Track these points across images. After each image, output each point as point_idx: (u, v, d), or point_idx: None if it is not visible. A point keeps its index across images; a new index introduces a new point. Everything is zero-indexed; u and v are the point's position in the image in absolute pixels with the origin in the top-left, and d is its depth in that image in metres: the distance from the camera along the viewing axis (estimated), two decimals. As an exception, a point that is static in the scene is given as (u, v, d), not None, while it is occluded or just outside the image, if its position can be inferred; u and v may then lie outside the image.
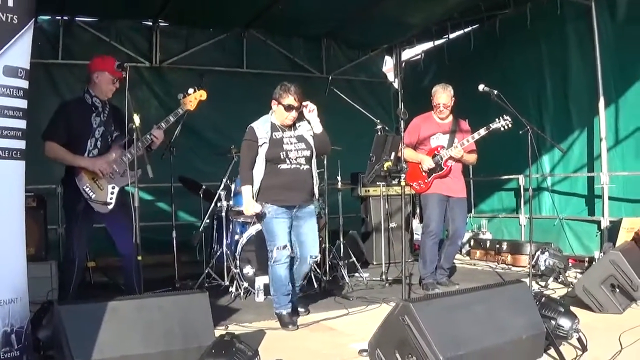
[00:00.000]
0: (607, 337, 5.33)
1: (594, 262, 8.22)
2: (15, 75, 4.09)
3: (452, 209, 8.02)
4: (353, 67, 14.44)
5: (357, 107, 8.25)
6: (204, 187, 8.86)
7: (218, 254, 8.43)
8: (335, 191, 9.41)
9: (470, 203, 10.61)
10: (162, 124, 6.49)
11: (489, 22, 12.15)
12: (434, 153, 7.90)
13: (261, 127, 6.35)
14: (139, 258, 5.61)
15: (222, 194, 8.28)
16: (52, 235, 9.27)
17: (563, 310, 5.03)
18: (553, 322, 4.92)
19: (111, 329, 4.22)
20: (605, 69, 9.66)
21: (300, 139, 6.44)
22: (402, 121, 6.85)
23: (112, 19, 11.72)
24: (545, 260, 8.28)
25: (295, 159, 6.32)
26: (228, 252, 8.11)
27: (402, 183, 6.85)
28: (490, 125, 7.63)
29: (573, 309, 5.27)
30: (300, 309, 6.77)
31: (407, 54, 15.29)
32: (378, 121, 7.83)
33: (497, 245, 10.46)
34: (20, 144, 4.17)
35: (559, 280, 8.08)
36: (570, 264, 8.89)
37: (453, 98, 7.95)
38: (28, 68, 4.20)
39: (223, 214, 8.31)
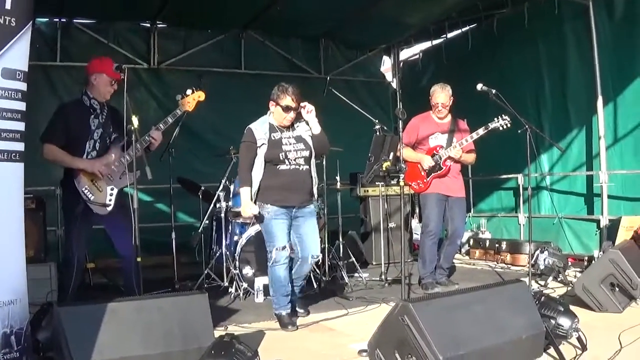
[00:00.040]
0: (606, 336, 5.34)
1: (593, 261, 8.21)
2: (14, 78, 4.09)
3: (451, 209, 8.02)
4: (351, 68, 14.45)
5: (356, 107, 8.26)
6: (202, 188, 8.87)
7: (217, 254, 8.43)
8: (334, 191, 9.42)
9: (469, 202, 10.61)
10: (161, 125, 6.49)
11: (487, 21, 12.15)
12: (432, 153, 7.90)
13: (259, 128, 6.36)
14: (139, 259, 5.61)
15: (221, 195, 8.29)
16: (51, 237, 9.27)
17: (562, 309, 5.03)
18: (553, 322, 4.93)
19: (111, 331, 4.22)
20: (603, 67, 9.65)
21: (299, 139, 6.45)
22: (400, 121, 6.85)
23: (110, 20, 11.72)
24: (544, 260, 8.28)
25: (294, 160, 6.32)
26: (227, 253, 8.12)
27: (401, 183, 6.86)
28: (489, 124, 7.63)
29: (572, 308, 5.27)
30: (300, 310, 6.76)
31: (405, 53, 15.28)
32: (376, 121, 7.84)
33: (497, 245, 10.46)
34: (19, 146, 4.17)
35: (559, 280, 8.09)
36: (569, 263, 8.90)
37: (451, 98, 7.95)
38: (26, 70, 4.20)
39: (222, 214, 8.31)
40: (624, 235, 8.60)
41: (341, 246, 9.17)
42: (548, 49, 10.88)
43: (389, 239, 9.77)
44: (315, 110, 6.42)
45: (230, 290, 7.89)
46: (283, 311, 6.38)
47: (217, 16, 11.63)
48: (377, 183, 9.80)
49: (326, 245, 8.52)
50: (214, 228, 8.89)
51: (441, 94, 7.91)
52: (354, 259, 9.23)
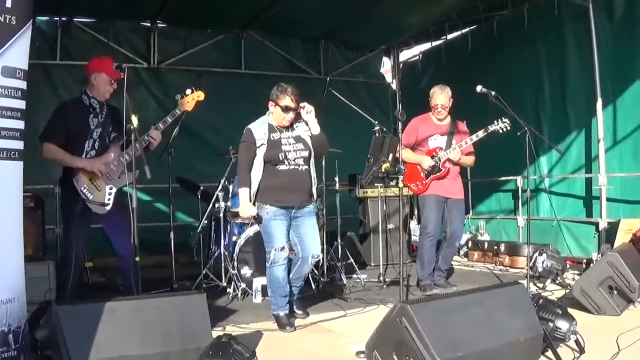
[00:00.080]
0: (604, 339, 5.33)
1: (591, 264, 8.22)
2: (14, 76, 4.09)
3: (450, 211, 8.02)
4: (351, 68, 14.47)
5: (355, 108, 8.25)
6: (201, 188, 8.88)
7: (216, 254, 8.43)
8: (333, 192, 9.41)
9: (468, 204, 10.62)
10: (160, 124, 6.50)
11: (487, 23, 12.17)
12: (432, 154, 7.90)
13: (258, 129, 6.35)
14: (137, 259, 5.61)
15: (220, 194, 8.29)
16: (50, 236, 9.25)
17: (561, 312, 5.03)
18: (551, 324, 4.93)
19: (109, 330, 4.22)
20: (602, 69, 9.66)
21: (298, 139, 6.45)
22: (399, 122, 6.85)
23: (110, 19, 11.73)
24: (543, 262, 8.29)
25: (294, 160, 6.31)
26: (226, 253, 8.11)
27: (400, 184, 6.85)
28: (489, 127, 7.62)
29: (571, 310, 5.28)
30: (299, 312, 6.74)
31: (405, 55, 15.30)
32: (376, 122, 7.83)
33: (495, 247, 10.46)
34: (19, 145, 4.17)
35: (557, 282, 8.08)
36: (568, 266, 8.90)
37: (451, 99, 7.95)
38: (26, 69, 4.20)
39: (221, 214, 8.31)
40: (622, 238, 8.60)
41: (340, 247, 9.16)
42: (548, 50, 10.89)
43: (387, 240, 9.79)
44: (314, 111, 6.42)
45: (228, 290, 7.90)
46: (281, 312, 6.38)
47: (217, 16, 11.64)
48: (376, 184, 9.81)
49: (325, 246, 8.49)
50: (213, 228, 8.89)
51: (440, 96, 7.91)
52: (352, 260, 9.21)
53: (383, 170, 7.23)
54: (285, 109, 6.29)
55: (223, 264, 8.14)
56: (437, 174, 7.88)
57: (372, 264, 10.26)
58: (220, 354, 4.20)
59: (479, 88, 7.18)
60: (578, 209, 10.47)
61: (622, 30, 9.48)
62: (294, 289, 6.67)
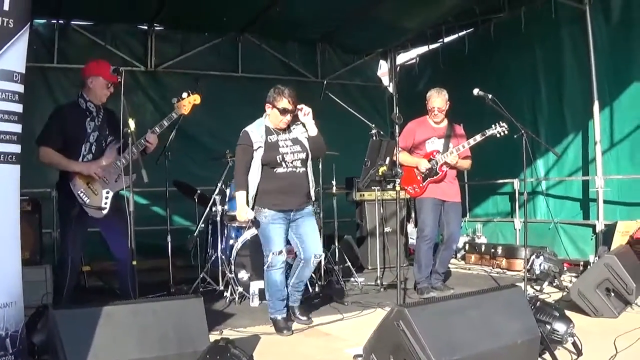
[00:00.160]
0: (602, 341, 5.34)
1: (589, 266, 8.22)
2: (11, 80, 4.09)
3: (447, 213, 8.02)
4: (348, 72, 14.48)
5: (352, 111, 8.25)
6: (198, 191, 8.88)
7: (213, 258, 8.44)
8: (330, 196, 9.42)
9: (465, 207, 10.62)
10: (156, 128, 6.48)
11: (484, 26, 12.17)
12: (429, 158, 7.90)
13: (256, 131, 6.34)
14: (134, 262, 5.60)
15: (217, 198, 8.29)
16: (47, 239, 9.27)
17: (558, 314, 5.04)
18: (548, 327, 4.94)
19: (106, 334, 4.21)
20: (599, 72, 9.68)
21: (296, 141, 6.44)
22: (396, 125, 6.85)
23: (108, 23, 11.74)
24: (540, 265, 8.28)
25: (291, 162, 6.31)
26: (223, 256, 8.11)
27: (397, 187, 6.85)
28: (486, 131, 7.62)
29: (568, 313, 5.30)
30: (302, 318, 6.64)
31: (402, 58, 15.29)
32: (373, 125, 7.83)
33: (492, 250, 10.47)
34: (16, 148, 4.17)
35: (554, 285, 8.08)
36: (565, 268, 8.89)
37: (448, 102, 7.96)
38: (24, 72, 4.20)
39: (218, 218, 8.31)
40: (619, 240, 8.62)
41: (337, 250, 9.17)
42: (545, 53, 10.91)
43: (384, 243, 9.79)
44: (312, 114, 6.42)
45: (225, 294, 7.89)
46: (278, 315, 6.37)
47: (215, 19, 11.64)
48: (373, 187, 9.80)
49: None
50: (210, 232, 8.90)
51: (437, 99, 7.92)
52: (349, 264, 9.22)
53: (380, 173, 7.23)
54: (283, 111, 6.27)
55: (220, 268, 8.14)
56: (434, 177, 7.88)
57: (370, 267, 10.27)
58: (217, 357, 4.21)
59: (475, 91, 7.17)
60: (575, 212, 10.48)
61: (619, 33, 9.49)
62: (297, 294, 6.65)
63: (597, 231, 9.61)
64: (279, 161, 6.26)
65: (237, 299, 7.69)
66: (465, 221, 12.01)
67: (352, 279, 8.96)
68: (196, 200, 8.85)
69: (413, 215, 10.86)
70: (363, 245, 10.68)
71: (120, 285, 6.57)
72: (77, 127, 6.25)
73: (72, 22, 11.46)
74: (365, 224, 10.67)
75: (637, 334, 5.51)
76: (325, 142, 6.66)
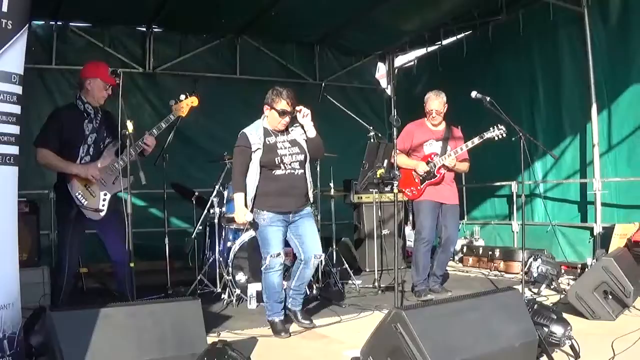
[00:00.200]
0: (599, 344, 5.33)
1: (586, 269, 8.23)
2: (9, 81, 4.08)
3: (445, 216, 8.02)
4: (346, 74, 14.50)
5: (350, 113, 8.26)
6: (196, 193, 8.87)
7: (210, 260, 8.42)
8: (328, 198, 9.42)
9: (462, 210, 10.62)
10: (154, 130, 6.48)
11: (482, 28, 12.19)
12: (427, 160, 7.90)
13: (254, 133, 6.32)
14: (132, 264, 5.60)
15: (215, 200, 8.28)
16: (45, 241, 9.24)
17: (555, 317, 5.03)
18: (546, 329, 4.93)
19: (103, 336, 4.21)
20: (597, 75, 9.68)
21: (294, 143, 6.42)
22: (394, 128, 6.85)
23: (106, 24, 11.73)
24: (537, 267, 8.28)
25: (290, 164, 6.29)
26: (220, 258, 8.10)
27: (395, 190, 6.85)
28: (484, 134, 7.62)
29: (566, 315, 5.28)
30: (305, 321, 6.59)
31: (400, 60, 15.33)
32: (371, 128, 7.85)
33: (490, 252, 10.47)
34: (14, 150, 4.16)
35: (552, 287, 8.09)
36: (562, 271, 8.88)
37: (446, 105, 7.95)
38: (22, 74, 4.19)
39: (216, 220, 8.30)
40: (617, 242, 8.62)
41: (334, 253, 9.18)
42: (543, 56, 10.92)
43: (382, 246, 9.79)
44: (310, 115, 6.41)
45: (223, 296, 7.87)
46: (276, 318, 6.36)
47: (213, 21, 11.65)
48: (371, 190, 9.80)
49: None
50: (208, 234, 8.89)
51: (435, 101, 7.91)
52: (347, 266, 9.21)
53: (378, 175, 7.25)
54: (282, 113, 6.25)
55: (218, 270, 8.13)
56: (432, 179, 7.88)
57: (367, 270, 10.25)
58: (215, 360, 4.20)
59: (473, 94, 7.18)
60: (573, 214, 10.49)
61: (617, 35, 9.50)
62: (299, 297, 6.61)
63: (594, 234, 9.61)
64: (277, 163, 6.24)
65: (234, 301, 7.68)
66: (463, 224, 12.02)
67: (349, 282, 8.95)
68: (194, 202, 8.85)
69: (411, 217, 10.88)
70: (361, 248, 10.68)
71: (118, 287, 6.58)
72: (75, 129, 6.25)
73: (71, 24, 11.45)
74: (363, 227, 10.68)
75: (635, 336, 5.51)
76: (324, 144, 6.64)
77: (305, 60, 13.99)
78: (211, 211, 8.37)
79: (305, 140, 6.46)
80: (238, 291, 7.66)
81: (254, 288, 7.47)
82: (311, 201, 6.64)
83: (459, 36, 13.02)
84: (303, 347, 5.88)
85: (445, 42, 13.54)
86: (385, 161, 7.55)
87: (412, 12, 11.54)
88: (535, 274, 8.27)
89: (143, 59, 12.25)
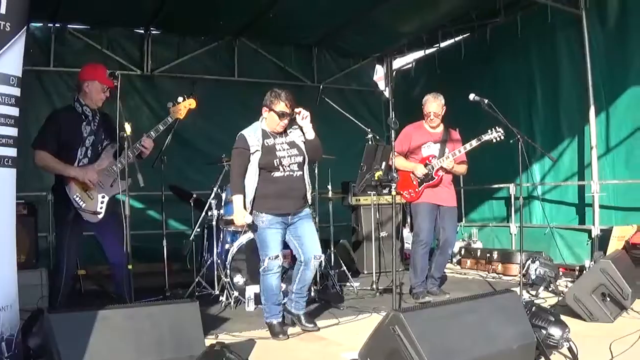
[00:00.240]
0: (597, 346, 5.33)
1: (584, 271, 8.25)
2: (7, 83, 4.08)
3: (443, 218, 8.01)
4: (344, 76, 14.50)
5: (348, 116, 8.25)
6: (194, 195, 8.86)
7: (208, 262, 8.41)
8: (325, 200, 9.42)
9: (460, 212, 10.61)
10: (152, 133, 6.48)
11: (480, 30, 12.20)
12: (425, 162, 7.90)
13: (252, 135, 6.30)
14: (130, 267, 5.60)
15: (213, 202, 8.27)
16: (43, 243, 9.24)
17: (554, 319, 5.04)
18: (544, 332, 4.93)
19: (101, 338, 4.20)
20: (595, 77, 9.69)
21: (292, 145, 6.41)
22: (392, 130, 6.85)
23: (104, 26, 11.72)
24: (535, 269, 8.29)
25: (289, 166, 6.28)
26: (218, 261, 8.09)
27: (393, 192, 6.85)
28: (482, 136, 7.62)
29: (564, 318, 5.29)
30: (309, 325, 6.54)
31: (398, 62, 15.33)
32: (369, 130, 7.84)
33: (488, 255, 10.48)
34: (12, 152, 4.17)
35: (550, 289, 8.08)
36: (560, 273, 8.91)
37: (444, 107, 7.95)
38: (20, 76, 4.20)
39: (214, 222, 8.29)
40: (615, 245, 8.62)
41: (332, 255, 9.17)
42: (541, 58, 10.93)
43: (380, 248, 9.77)
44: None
45: (221, 298, 7.86)
46: (274, 320, 6.34)
47: (211, 23, 11.65)
48: (369, 192, 9.80)
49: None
50: (206, 236, 8.88)
51: (433, 103, 7.91)
52: (345, 268, 9.22)
53: (376, 178, 7.24)
54: (281, 115, 6.24)
55: (216, 272, 8.11)
56: (430, 182, 7.88)
57: (365, 272, 10.26)
58: (213, 362, 4.21)
59: (471, 96, 7.18)
60: (571, 217, 10.49)
61: (615, 37, 9.51)
62: (302, 301, 6.57)
63: (592, 236, 9.62)
64: (276, 165, 6.23)
65: (232, 303, 7.67)
66: (461, 226, 12.04)
67: (347, 284, 8.94)
68: (192, 204, 8.84)
69: (409, 219, 10.88)
70: (359, 250, 10.68)
71: (116, 289, 6.59)
72: (73, 131, 6.25)
73: (69, 26, 11.45)
74: (361, 229, 10.67)
75: (633, 338, 5.51)
76: (322, 146, 6.64)
77: (303, 63, 14.00)
78: (209, 213, 8.37)
79: (304, 142, 6.44)
80: (236, 293, 7.64)
81: (252, 290, 7.47)
82: (309, 203, 6.63)
83: (457, 38, 13.03)
84: (301, 350, 5.87)
85: (443, 44, 13.55)
86: (384, 163, 7.55)
87: (410, 14, 11.55)
88: (533, 276, 8.27)
89: (141, 61, 12.24)
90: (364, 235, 10.51)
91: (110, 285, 7.12)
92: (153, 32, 12.29)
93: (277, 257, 6.25)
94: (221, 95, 12.49)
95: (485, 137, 7.59)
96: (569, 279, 8.75)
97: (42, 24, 11.25)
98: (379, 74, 15.61)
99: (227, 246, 8.06)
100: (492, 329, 4.51)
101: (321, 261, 6.90)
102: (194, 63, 12.68)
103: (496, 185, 11.77)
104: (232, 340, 5.91)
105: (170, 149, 8.58)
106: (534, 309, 5.15)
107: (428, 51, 14.06)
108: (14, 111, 4.15)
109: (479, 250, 10.95)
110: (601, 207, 9.64)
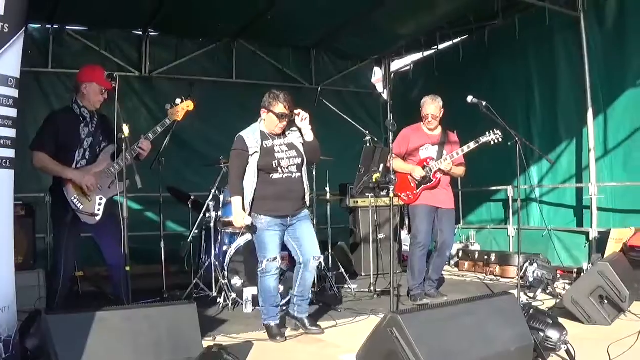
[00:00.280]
0: (595, 349, 5.33)
1: (582, 274, 8.23)
2: (5, 84, 4.08)
3: (441, 220, 8.01)
4: (342, 78, 14.49)
5: (346, 118, 8.26)
6: (192, 197, 8.86)
7: (206, 264, 8.40)
8: (323, 202, 9.42)
9: (458, 214, 10.64)
10: (150, 135, 6.48)
11: (478, 33, 12.20)
12: (423, 164, 7.90)
13: (251, 136, 6.30)
14: (127, 268, 5.59)
15: (211, 204, 8.27)
16: (41, 244, 9.23)
17: (551, 321, 5.04)
18: (541, 334, 4.93)
19: (99, 339, 4.20)
20: (593, 79, 9.68)
21: (291, 146, 6.41)
22: (390, 132, 6.85)
23: (102, 28, 11.71)
24: (533, 272, 8.29)
25: (287, 167, 6.28)
26: (216, 262, 8.08)
27: (391, 194, 6.85)
28: (480, 138, 7.62)
29: (561, 320, 5.29)
30: (313, 328, 6.52)
31: (396, 64, 15.32)
32: (367, 132, 7.84)
33: (486, 257, 10.47)
34: (10, 153, 4.17)
35: (548, 292, 8.08)
36: (558, 275, 8.90)
37: (442, 109, 7.96)
38: (18, 77, 4.20)
39: (212, 224, 8.29)
40: (613, 247, 8.62)
41: (330, 257, 9.17)
42: (539, 60, 10.93)
43: (378, 250, 9.77)
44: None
45: (218, 300, 7.86)
46: (272, 322, 6.34)
47: (209, 25, 11.64)
48: (366, 194, 9.80)
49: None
50: (203, 238, 8.87)
51: (431, 106, 7.92)
52: (343, 270, 9.23)
53: (374, 180, 7.23)
54: (280, 116, 6.23)
55: (214, 274, 8.10)
56: (428, 184, 7.88)
57: (363, 274, 10.27)
58: (210, 364, 4.20)
59: (469, 98, 7.18)
60: (569, 219, 10.49)
61: (613, 39, 9.51)
62: (304, 304, 6.56)
63: (590, 238, 9.62)
64: (275, 166, 6.23)
65: (230, 305, 7.67)
66: (458, 228, 12.03)
67: (345, 286, 8.96)
68: (190, 206, 8.84)
69: (407, 222, 10.87)
70: (357, 252, 10.68)
71: (114, 291, 6.57)
72: (71, 133, 6.24)
73: (67, 27, 11.44)
74: (359, 231, 10.67)
75: (630, 341, 5.51)
76: (320, 148, 6.64)
77: (302, 65, 13.99)
78: (207, 215, 8.36)
79: (302, 144, 6.44)
80: (234, 295, 7.64)
81: (249, 292, 7.47)
82: (308, 205, 6.63)
83: (455, 41, 13.02)
84: (299, 351, 5.87)
85: (441, 46, 13.56)
86: (381, 165, 7.54)
87: (408, 16, 11.54)
88: (531, 279, 8.27)
89: (139, 63, 12.22)
90: (362, 237, 10.52)
91: (108, 286, 7.13)
92: (151, 33, 12.29)
93: (275, 259, 6.24)
94: (219, 97, 12.48)
95: (483, 140, 7.60)
96: (567, 282, 8.75)
97: (40, 25, 11.24)
98: (377, 76, 15.62)
99: (225, 248, 8.06)
100: (490, 332, 4.51)
101: (320, 262, 6.87)
102: (192, 65, 12.67)
103: (494, 188, 11.77)
104: (229, 342, 5.90)
105: (168, 151, 8.58)
106: (531, 311, 5.16)
107: (426, 53, 14.07)
108: (12, 112, 4.15)
109: (476, 253, 10.95)
110: (599, 209, 9.63)
